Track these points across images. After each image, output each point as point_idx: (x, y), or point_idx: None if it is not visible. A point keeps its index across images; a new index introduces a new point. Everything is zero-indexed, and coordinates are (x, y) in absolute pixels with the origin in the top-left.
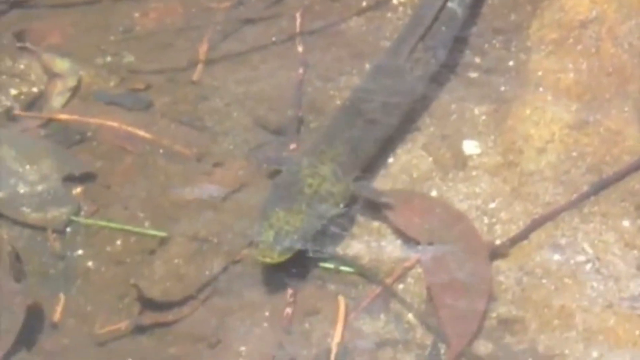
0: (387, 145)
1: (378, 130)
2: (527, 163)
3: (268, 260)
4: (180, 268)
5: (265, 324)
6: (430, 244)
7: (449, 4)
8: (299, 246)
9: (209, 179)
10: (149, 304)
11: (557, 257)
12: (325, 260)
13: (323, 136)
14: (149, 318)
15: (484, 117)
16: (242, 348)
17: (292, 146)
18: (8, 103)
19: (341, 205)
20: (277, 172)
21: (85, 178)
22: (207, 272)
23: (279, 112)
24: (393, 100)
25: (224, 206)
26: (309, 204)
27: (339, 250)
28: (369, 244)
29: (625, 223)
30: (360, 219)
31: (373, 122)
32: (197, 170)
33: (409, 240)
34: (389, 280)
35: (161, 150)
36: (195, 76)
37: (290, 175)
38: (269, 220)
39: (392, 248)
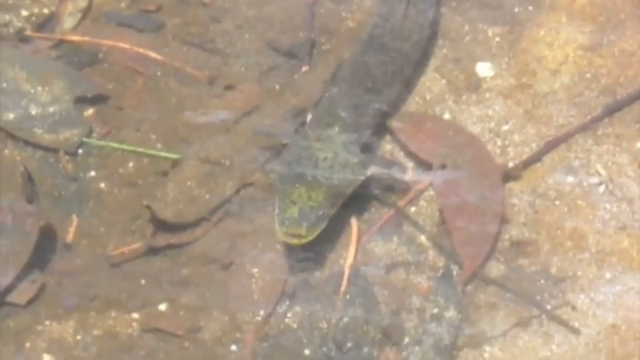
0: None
1: (378, 97)
2: (540, 85)
3: (296, 240)
4: (192, 190)
5: (278, 247)
6: (443, 166)
7: None
8: (324, 222)
9: (220, 101)
10: (162, 225)
11: (570, 179)
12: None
13: (326, 106)
14: (161, 239)
15: (497, 39)
16: (255, 270)
17: (304, 69)
18: (19, 24)
19: (360, 178)
20: (283, 146)
21: (97, 100)
22: (219, 195)
23: (291, 34)
24: (390, 65)
25: (236, 129)
26: (329, 178)
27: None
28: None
29: (639, 144)
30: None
31: (372, 90)
32: (208, 93)
33: (421, 163)
34: (401, 203)
35: (173, 73)
36: None
37: (301, 150)
38: (290, 197)
39: (405, 171)
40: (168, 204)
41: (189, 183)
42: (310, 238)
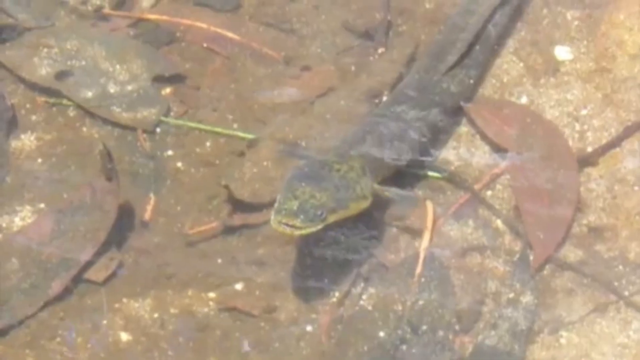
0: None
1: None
2: (620, 69)
3: (288, 229)
4: (269, 171)
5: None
6: (519, 152)
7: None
8: (321, 224)
9: (296, 82)
10: (239, 205)
11: None
12: (414, 165)
13: (353, 135)
14: (238, 219)
15: (576, 23)
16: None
17: (380, 50)
18: (98, 2)
19: (366, 200)
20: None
21: (175, 79)
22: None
23: (367, 16)
24: (417, 121)
25: (312, 109)
26: (336, 185)
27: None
28: (458, 150)
29: None
30: (447, 125)
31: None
32: (284, 74)
33: (497, 147)
34: (477, 187)
35: (249, 53)
36: None
37: (316, 161)
38: (293, 192)
39: (480, 155)
40: (245, 183)
41: (265, 163)
42: (304, 232)
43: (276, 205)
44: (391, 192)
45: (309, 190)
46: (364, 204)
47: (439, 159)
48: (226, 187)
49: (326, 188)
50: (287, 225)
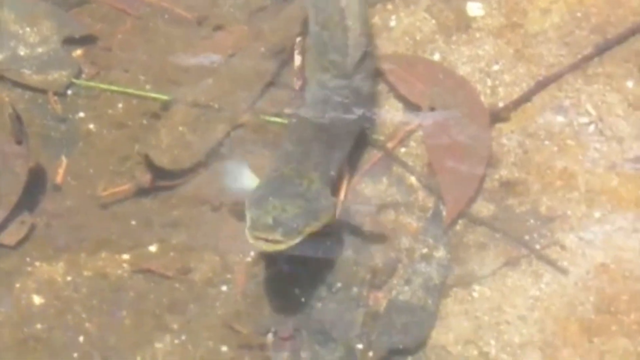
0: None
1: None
2: (531, 24)
3: (270, 243)
4: (185, 135)
5: None
6: (432, 108)
7: None
8: (299, 238)
9: (209, 42)
10: (158, 172)
11: (560, 119)
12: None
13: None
14: (151, 181)
15: None
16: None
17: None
18: None
19: (331, 212)
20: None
21: (86, 40)
22: (211, 139)
23: None
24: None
25: (224, 71)
26: (305, 198)
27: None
28: (371, 107)
29: (629, 84)
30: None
31: (336, 144)
32: (197, 34)
33: (411, 105)
34: (390, 144)
35: (161, 13)
36: None
37: (274, 176)
38: (264, 208)
39: (394, 112)
40: (163, 150)
41: (180, 128)
42: (284, 247)
43: (248, 222)
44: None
45: (279, 204)
46: (331, 216)
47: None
48: (144, 155)
49: (295, 202)
50: (265, 240)
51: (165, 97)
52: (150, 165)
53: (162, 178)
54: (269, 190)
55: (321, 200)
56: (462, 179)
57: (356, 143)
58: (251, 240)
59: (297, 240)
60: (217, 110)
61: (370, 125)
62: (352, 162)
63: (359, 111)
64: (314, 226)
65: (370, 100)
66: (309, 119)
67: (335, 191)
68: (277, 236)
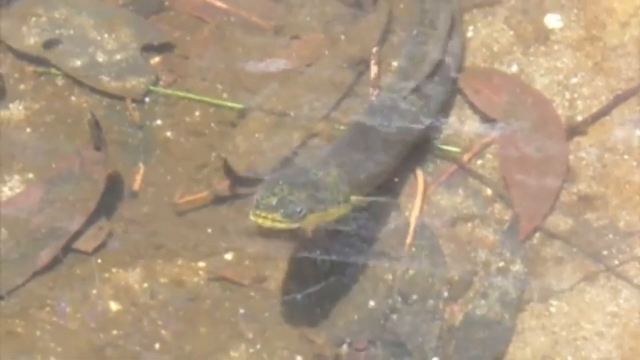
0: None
1: (379, 160)
2: (610, 37)
3: (269, 221)
4: (261, 143)
5: None
6: (508, 121)
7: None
8: (301, 222)
9: (286, 51)
10: (235, 178)
11: (639, 132)
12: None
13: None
14: (227, 189)
15: None
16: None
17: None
18: None
19: (343, 206)
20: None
21: (164, 48)
22: (287, 147)
23: None
24: (393, 134)
25: (300, 80)
26: (315, 187)
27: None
28: (448, 119)
29: None
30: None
31: (374, 150)
32: (274, 43)
33: (486, 117)
34: (466, 156)
35: (239, 22)
36: None
37: (294, 167)
38: (271, 190)
39: (470, 124)
40: (240, 156)
41: (257, 135)
42: (282, 226)
43: (254, 201)
44: (369, 201)
45: (287, 188)
46: (343, 210)
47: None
48: (223, 159)
49: (304, 188)
50: (265, 218)
51: (241, 106)
52: (228, 171)
53: (239, 184)
54: (283, 175)
55: (333, 193)
56: (537, 193)
57: (417, 153)
58: (251, 217)
59: (298, 224)
60: (293, 119)
61: (434, 135)
62: (427, 172)
63: (419, 119)
64: (319, 215)
65: (436, 110)
66: (358, 123)
67: (361, 196)
68: (277, 216)
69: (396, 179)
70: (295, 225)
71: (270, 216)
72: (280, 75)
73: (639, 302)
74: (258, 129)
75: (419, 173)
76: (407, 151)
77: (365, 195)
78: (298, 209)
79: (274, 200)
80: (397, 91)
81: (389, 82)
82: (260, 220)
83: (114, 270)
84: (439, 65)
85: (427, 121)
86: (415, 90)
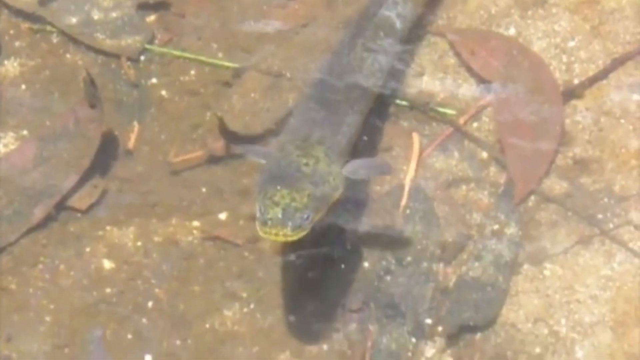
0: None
1: (351, 114)
2: (607, 1)
3: (281, 237)
4: (257, 102)
5: None
6: (504, 84)
7: (385, 12)
8: (309, 227)
9: (282, 12)
10: (230, 136)
11: (636, 97)
12: (399, 97)
13: (300, 125)
14: (223, 148)
15: None
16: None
17: None
18: None
19: (340, 189)
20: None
21: (159, 6)
22: (282, 106)
23: None
24: (353, 90)
25: (297, 40)
26: (312, 182)
27: (413, 88)
28: (444, 82)
29: None
30: (434, 56)
31: (341, 107)
32: (270, 3)
33: (483, 80)
34: (462, 119)
35: None
36: None
37: (281, 158)
38: (271, 199)
39: (467, 87)
40: (236, 115)
41: (252, 95)
42: (295, 238)
43: (258, 214)
44: (361, 171)
45: (287, 194)
46: (339, 194)
47: (425, 90)
48: (219, 118)
49: (304, 188)
50: (277, 235)
51: (236, 65)
52: (223, 129)
53: (234, 143)
54: (277, 175)
55: (330, 181)
56: (532, 156)
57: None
58: (261, 234)
59: (307, 230)
60: (289, 79)
61: (390, 86)
62: (423, 135)
63: (376, 69)
64: (323, 210)
65: (387, 65)
66: (319, 83)
67: (348, 157)
68: (288, 231)
69: (392, 141)
70: (305, 232)
71: (281, 233)
72: (276, 36)
73: (633, 266)
74: (254, 88)
75: (415, 135)
76: (370, 107)
77: (346, 159)
78: (305, 216)
79: (278, 213)
80: (348, 47)
81: (342, 39)
82: (272, 238)
83: (107, 228)
84: (385, 24)
85: (379, 75)
86: (363, 46)
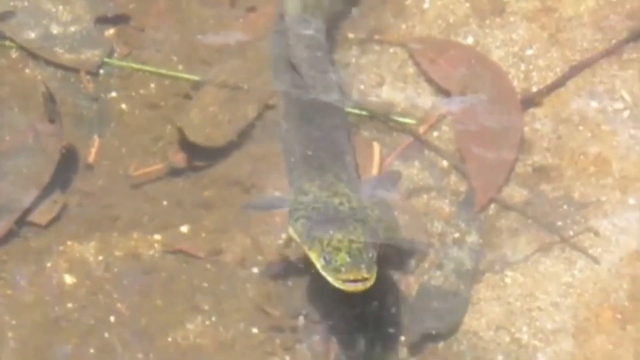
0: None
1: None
2: (565, 8)
3: (360, 286)
4: (216, 115)
5: None
6: (463, 93)
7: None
8: (376, 266)
9: (242, 23)
10: (191, 149)
11: (594, 104)
12: (358, 107)
13: (304, 160)
14: (183, 161)
15: None
16: (277, 194)
17: None
18: None
19: (381, 221)
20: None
21: (118, 20)
22: (243, 119)
23: None
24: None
25: (254, 52)
26: (357, 220)
27: (373, 97)
28: (404, 92)
29: None
30: (394, 66)
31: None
32: (230, 15)
33: (441, 89)
34: (422, 128)
35: None
36: None
37: (311, 203)
38: (331, 245)
39: (426, 96)
40: (195, 128)
41: (211, 109)
42: (373, 281)
43: (320, 265)
44: (379, 193)
45: (342, 237)
46: (382, 226)
47: (384, 100)
48: (179, 129)
49: (354, 227)
50: (354, 281)
51: (196, 78)
52: (184, 141)
53: (195, 156)
54: (319, 221)
55: (369, 214)
56: (492, 165)
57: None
58: (338, 285)
59: (376, 269)
60: (246, 92)
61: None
62: (383, 144)
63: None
64: (378, 245)
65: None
66: (304, 105)
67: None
68: (364, 273)
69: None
70: (376, 269)
71: (360, 276)
72: (235, 48)
73: (594, 272)
74: (212, 102)
75: (375, 145)
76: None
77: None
78: (370, 255)
79: (345, 257)
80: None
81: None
82: (352, 288)
83: (68, 243)
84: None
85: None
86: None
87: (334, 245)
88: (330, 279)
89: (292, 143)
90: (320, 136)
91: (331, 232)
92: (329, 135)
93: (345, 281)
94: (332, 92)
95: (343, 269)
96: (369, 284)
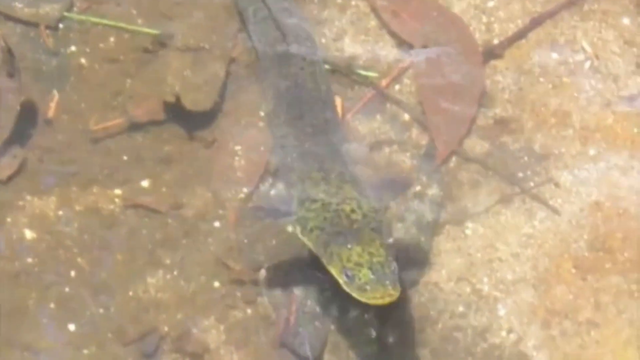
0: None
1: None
2: None
3: (387, 298)
4: (192, 78)
5: (261, 124)
6: (424, 46)
7: None
8: (397, 274)
9: None
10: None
11: (555, 55)
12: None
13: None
14: (143, 115)
15: None
16: (237, 147)
17: None
18: None
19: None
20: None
21: None
22: (217, 77)
23: None
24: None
25: (218, 4)
26: (374, 229)
27: (335, 51)
28: (365, 44)
29: (625, 21)
30: (355, 19)
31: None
32: None
33: (404, 42)
34: (384, 82)
35: None
36: None
37: (321, 212)
38: (350, 259)
39: (387, 50)
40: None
41: (185, 73)
42: (399, 294)
43: (343, 281)
44: (387, 196)
45: (362, 250)
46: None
47: (346, 53)
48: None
49: (372, 238)
50: (382, 297)
51: (156, 32)
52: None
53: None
54: (333, 232)
55: (381, 217)
56: (454, 117)
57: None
58: (367, 300)
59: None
60: (209, 50)
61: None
62: (346, 98)
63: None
64: (394, 250)
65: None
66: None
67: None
68: (390, 290)
69: None
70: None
71: (387, 293)
72: (196, 1)
73: (554, 223)
74: (183, 66)
75: (337, 99)
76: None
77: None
78: (393, 267)
79: (369, 273)
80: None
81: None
82: (379, 302)
83: (28, 198)
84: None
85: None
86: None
87: (355, 261)
88: (355, 296)
89: (268, 91)
90: (317, 135)
91: (349, 246)
92: (307, 84)
93: (373, 299)
94: (305, 40)
95: (368, 288)
96: (395, 297)
